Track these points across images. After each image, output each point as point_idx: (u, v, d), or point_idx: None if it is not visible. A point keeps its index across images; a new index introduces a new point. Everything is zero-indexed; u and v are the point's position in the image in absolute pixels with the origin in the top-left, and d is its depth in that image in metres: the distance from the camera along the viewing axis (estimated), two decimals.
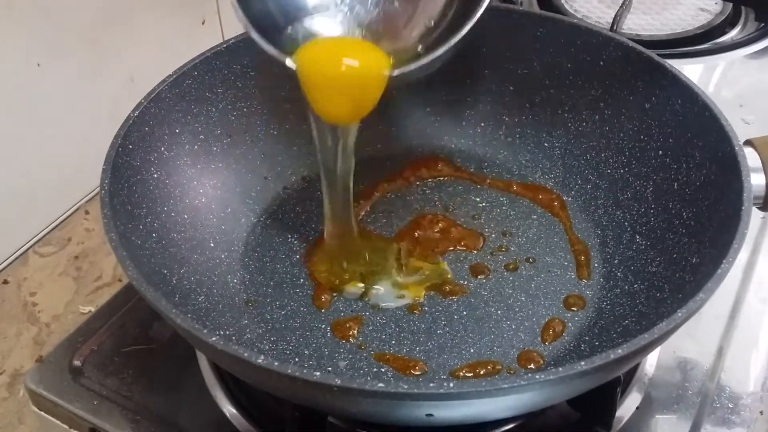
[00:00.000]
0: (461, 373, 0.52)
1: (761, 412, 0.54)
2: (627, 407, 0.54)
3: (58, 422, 0.56)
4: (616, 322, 0.53)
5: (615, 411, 0.51)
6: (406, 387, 0.39)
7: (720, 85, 0.82)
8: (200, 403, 0.55)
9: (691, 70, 0.82)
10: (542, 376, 0.39)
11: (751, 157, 0.51)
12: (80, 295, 0.80)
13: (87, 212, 0.86)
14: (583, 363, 0.39)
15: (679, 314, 0.42)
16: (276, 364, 0.40)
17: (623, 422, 0.53)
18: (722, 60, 0.84)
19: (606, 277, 0.57)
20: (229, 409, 0.54)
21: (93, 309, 0.62)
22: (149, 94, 0.57)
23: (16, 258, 0.80)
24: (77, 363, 0.58)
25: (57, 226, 0.84)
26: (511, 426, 0.53)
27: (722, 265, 0.44)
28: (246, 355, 0.40)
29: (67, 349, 0.59)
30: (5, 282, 0.79)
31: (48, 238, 0.83)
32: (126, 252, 0.46)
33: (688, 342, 0.58)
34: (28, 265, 0.80)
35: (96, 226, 0.84)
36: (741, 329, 0.59)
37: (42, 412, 0.57)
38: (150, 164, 0.56)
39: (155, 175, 0.56)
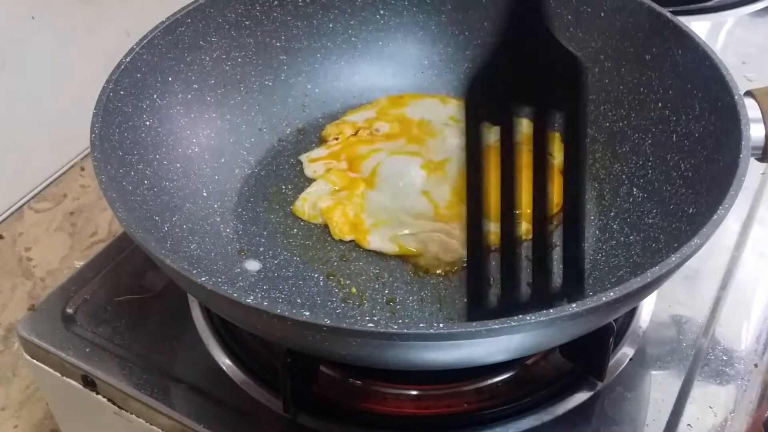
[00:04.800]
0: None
1: (756, 365, 0.53)
2: (620, 359, 0.53)
3: (50, 370, 0.56)
4: (611, 273, 0.53)
5: (607, 361, 0.51)
6: (395, 327, 0.38)
7: (723, 42, 0.81)
8: (193, 352, 0.55)
9: (695, 27, 0.81)
10: (533, 318, 0.38)
11: (751, 107, 0.50)
12: (75, 251, 0.80)
13: (82, 169, 0.85)
14: (574, 305, 0.39)
15: (673, 259, 0.41)
16: (265, 304, 0.39)
17: (616, 373, 0.52)
18: (726, 17, 0.83)
19: (602, 229, 0.57)
20: (221, 358, 0.54)
21: None
22: (141, 40, 0.56)
23: (12, 213, 0.80)
24: (70, 311, 0.58)
25: (52, 182, 0.83)
26: (505, 376, 0.53)
27: (719, 212, 0.44)
28: (235, 296, 0.40)
29: (59, 297, 0.59)
30: (0, 237, 0.79)
31: (43, 194, 0.82)
32: (116, 194, 0.46)
33: (683, 296, 0.57)
34: (24, 221, 0.80)
35: (91, 183, 0.84)
36: (738, 283, 0.58)
37: (35, 360, 0.57)
38: (142, 111, 0.55)
39: (147, 123, 0.56)
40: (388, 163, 0.61)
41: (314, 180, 0.62)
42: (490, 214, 0.47)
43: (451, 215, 0.58)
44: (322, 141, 0.65)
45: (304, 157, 0.63)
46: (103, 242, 0.80)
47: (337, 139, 0.64)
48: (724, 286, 0.58)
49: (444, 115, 0.66)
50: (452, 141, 0.63)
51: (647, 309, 0.57)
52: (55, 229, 0.80)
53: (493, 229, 0.47)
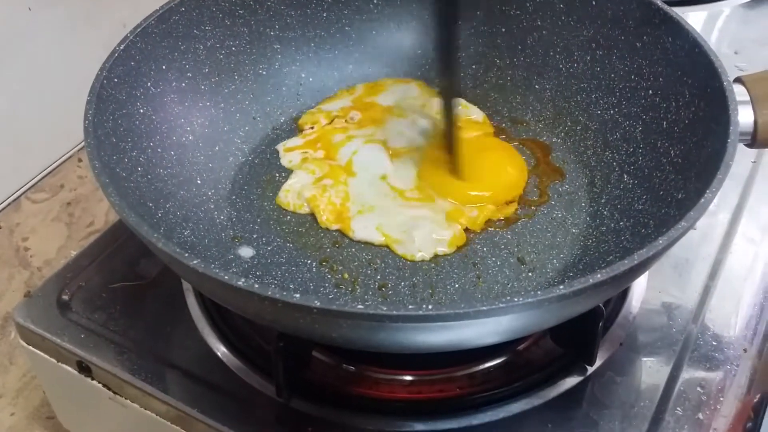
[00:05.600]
0: None
1: (745, 350, 0.54)
2: (611, 344, 0.54)
3: (46, 356, 0.57)
4: (601, 259, 0.53)
5: (597, 346, 0.51)
6: (384, 309, 0.39)
7: (718, 33, 0.81)
8: (187, 338, 0.55)
9: (691, 18, 0.81)
10: (521, 300, 0.39)
11: (740, 93, 0.51)
12: (72, 241, 0.80)
13: (80, 160, 0.86)
14: (561, 287, 0.39)
15: (660, 241, 0.42)
16: (257, 286, 0.40)
17: (606, 358, 0.53)
18: (722, 8, 0.83)
19: (592, 215, 0.57)
20: (215, 344, 0.55)
21: None
22: (135, 28, 0.56)
23: (9, 204, 0.81)
24: (65, 298, 0.58)
25: (50, 172, 0.84)
26: (496, 361, 0.53)
27: (706, 195, 0.44)
28: (227, 277, 0.40)
29: (55, 284, 0.59)
30: None
31: (41, 184, 0.83)
32: (109, 180, 0.46)
33: (673, 284, 0.58)
34: (21, 211, 0.81)
35: (88, 174, 0.84)
36: (728, 270, 0.59)
37: (30, 347, 0.57)
38: (136, 99, 0.56)
39: (141, 111, 0.56)
40: (364, 151, 0.62)
41: (291, 171, 0.62)
42: None
43: (430, 197, 0.58)
44: (299, 130, 0.65)
45: (280, 146, 0.64)
46: (100, 232, 0.80)
47: (312, 127, 0.65)
48: (713, 273, 0.59)
49: (418, 100, 0.66)
50: (422, 125, 0.64)
51: (638, 296, 0.57)
52: (52, 220, 0.81)
53: None
